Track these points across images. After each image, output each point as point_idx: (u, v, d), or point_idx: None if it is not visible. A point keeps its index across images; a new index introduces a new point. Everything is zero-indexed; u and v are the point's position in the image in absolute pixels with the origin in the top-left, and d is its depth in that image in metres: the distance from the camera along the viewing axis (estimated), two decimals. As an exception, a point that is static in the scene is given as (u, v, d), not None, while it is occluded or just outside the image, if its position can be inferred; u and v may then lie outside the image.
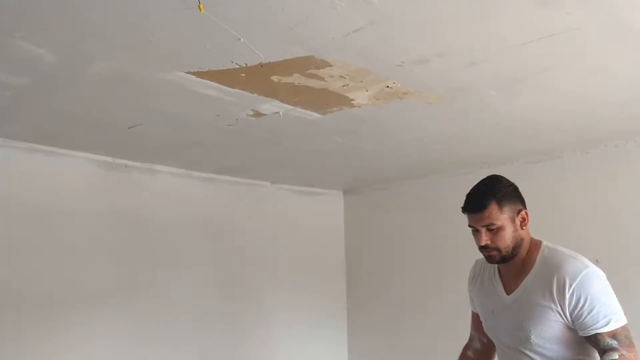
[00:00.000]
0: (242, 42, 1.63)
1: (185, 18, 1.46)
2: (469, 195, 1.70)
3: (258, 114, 2.29)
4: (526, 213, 1.70)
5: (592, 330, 1.56)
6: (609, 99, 2.13)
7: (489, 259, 1.68)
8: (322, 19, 1.49)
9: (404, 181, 3.72)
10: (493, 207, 1.63)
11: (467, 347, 1.96)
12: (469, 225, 1.69)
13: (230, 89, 2.01)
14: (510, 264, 1.69)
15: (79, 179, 2.86)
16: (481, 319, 1.85)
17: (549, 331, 1.61)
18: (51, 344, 2.65)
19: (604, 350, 1.56)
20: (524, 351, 1.64)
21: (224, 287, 3.42)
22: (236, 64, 1.79)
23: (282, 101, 2.15)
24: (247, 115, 2.30)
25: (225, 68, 1.82)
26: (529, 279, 1.66)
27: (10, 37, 1.59)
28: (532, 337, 1.61)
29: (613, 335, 1.56)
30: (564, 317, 1.59)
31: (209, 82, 1.94)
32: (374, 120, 2.37)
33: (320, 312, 3.90)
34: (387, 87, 1.99)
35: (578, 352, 1.63)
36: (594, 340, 1.58)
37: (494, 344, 1.81)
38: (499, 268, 1.77)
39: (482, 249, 1.67)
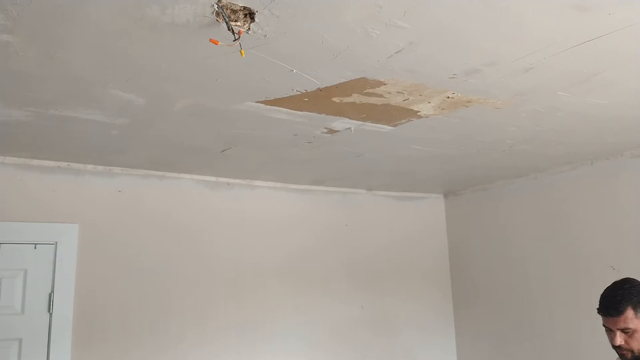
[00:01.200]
0: (295, 73, 1.76)
1: (239, 58, 1.62)
2: (605, 298, 1.85)
3: (332, 131, 2.41)
4: None
5: None
6: None
7: (622, 357, 1.82)
8: (361, 46, 1.57)
9: (503, 181, 3.62)
10: (629, 312, 1.78)
11: None
12: (604, 325, 1.85)
13: (298, 112, 2.15)
14: None
15: (187, 198, 3.19)
16: None
17: None
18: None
19: None
20: None
21: (328, 294, 3.57)
22: (297, 90, 1.92)
23: (350, 118, 2.25)
24: (322, 132, 2.43)
25: (288, 95, 1.97)
26: None
27: (105, 88, 1.87)
28: None
29: None
30: None
31: (277, 107, 2.10)
32: (447, 128, 2.38)
33: (427, 318, 3.90)
34: (448, 97, 2.00)
35: None
36: None
37: None
38: None
39: (616, 348, 1.81)
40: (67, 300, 2.77)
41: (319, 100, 2.02)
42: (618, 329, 1.79)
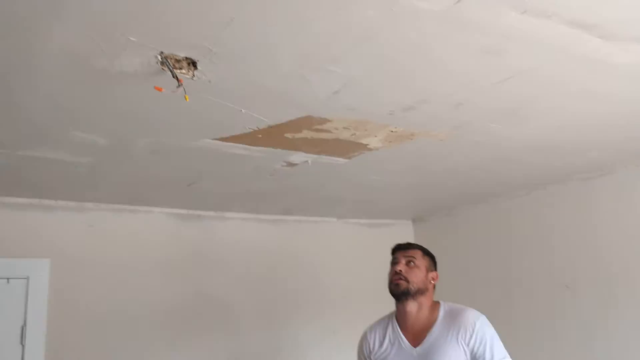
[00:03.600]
0: (244, 112, 1.89)
1: (189, 101, 1.74)
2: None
3: (290, 164, 2.54)
4: (437, 275, 2.13)
5: None
6: (608, 118, 2.11)
7: (396, 286, 2.04)
8: (300, 89, 1.71)
9: (466, 206, 3.75)
10: (418, 251, 2.13)
11: None
12: (392, 261, 2.11)
13: (255, 147, 2.28)
14: (416, 321, 2.02)
15: (159, 231, 3.28)
16: None
17: None
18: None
19: None
20: None
21: (299, 321, 3.65)
22: (249, 128, 2.05)
23: (305, 152, 2.38)
24: (282, 166, 2.56)
25: (242, 133, 2.10)
26: (435, 328, 1.97)
27: (67, 131, 1.99)
28: None
29: None
30: (468, 356, 1.88)
31: (234, 144, 2.22)
32: (398, 159, 2.52)
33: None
34: (391, 131, 2.14)
35: None
36: None
37: None
38: (401, 328, 2.06)
39: (395, 275, 2.04)
40: (39, 332, 2.84)
41: (273, 136, 2.15)
42: (404, 257, 2.06)
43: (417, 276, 2.03)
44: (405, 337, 2.04)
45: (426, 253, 2.14)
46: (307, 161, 2.51)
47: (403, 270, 2.03)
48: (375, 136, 2.19)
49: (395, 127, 2.10)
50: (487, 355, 1.89)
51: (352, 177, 2.82)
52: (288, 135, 2.15)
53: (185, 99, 1.59)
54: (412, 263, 2.05)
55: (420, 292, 2.03)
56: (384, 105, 1.87)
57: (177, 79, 1.53)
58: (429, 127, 2.11)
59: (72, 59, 1.44)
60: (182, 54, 1.48)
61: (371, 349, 2.14)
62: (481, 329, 1.92)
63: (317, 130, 2.11)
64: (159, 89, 1.53)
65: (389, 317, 2.19)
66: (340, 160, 2.51)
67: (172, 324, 3.20)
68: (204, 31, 1.35)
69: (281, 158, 2.45)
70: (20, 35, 1.32)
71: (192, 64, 1.54)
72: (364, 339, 2.20)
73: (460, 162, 2.62)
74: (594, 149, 2.50)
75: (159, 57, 1.48)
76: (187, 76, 1.56)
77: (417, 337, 2.01)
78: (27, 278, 2.86)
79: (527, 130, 2.17)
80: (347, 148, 2.34)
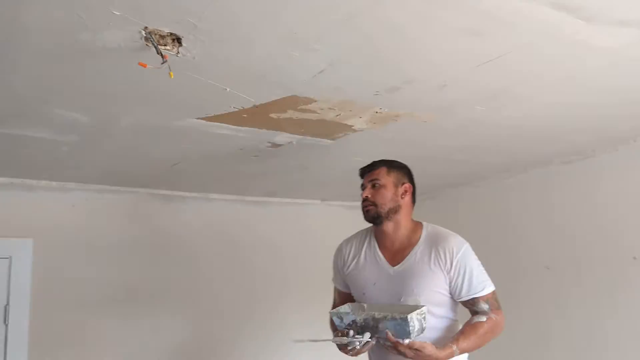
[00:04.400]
0: (229, 91, 1.88)
1: (173, 79, 1.73)
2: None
3: (275, 145, 2.54)
4: (409, 187, 2.02)
5: (471, 294, 1.85)
6: (589, 102, 2.13)
7: (366, 213, 1.98)
8: (286, 67, 1.70)
9: (450, 189, 3.79)
10: (382, 168, 2.01)
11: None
12: (361, 186, 2.04)
13: (240, 127, 2.27)
14: (395, 240, 1.95)
15: (142, 211, 3.27)
16: (356, 294, 2.01)
17: (435, 296, 1.82)
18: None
19: (476, 312, 1.83)
20: None
21: (283, 304, 3.68)
22: (234, 107, 2.04)
23: (290, 133, 2.38)
24: (266, 146, 2.56)
25: (227, 112, 2.09)
26: (417, 250, 1.90)
27: (50, 107, 1.96)
28: (421, 300, 1.79)
29: (486, 300, 1.86)
30: (446, 282, 1.83)
31: (219, 124, 2.22)
32: (383, 141, 2.53)
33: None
34: (376, 112, 2.15)
35: (454, 315, 1.90)
36: (471, 304, 1.84)
37: None
38: (379, 245, 1.98)
39: (363, 202, 1.98)
40: (23, 312, 2.83)
41: (257, 116, 2.14)
42: (369, 182, 1.99)
43: (384, 197, 1.95)
44: (383, 254, 1.97)
45: (392, 167, 2.02)
46: (291, 142, 2.51)
47: (370, 196, 1.96)
48: (360, 117, 2.20)
49: (380, 108, 2.11)
50: (465, 288, 1.85)
51: (337, 159, 2.83)
52: (273, 115, 2.15)
53: (170, 75, 1.58)
54: (377, 184, 1.97)
55: (393, 210, 1.95)
56: (370, 85, 1.87)
57: (162, 55, 1.52)
58: (414, 108, 2.12)
59: (53, 33, 1.42)
60: (166, 30, 1.47)
61: (345, 262, 2.10)
62: (462, 260, 1.85)
63: (302, 111, 2.11)
64: (143, 65, 1.51)
65: (367, 231, 2.11)
66: (325, 141, 2.52)
67: (156, 303, 3.20)
68: (188, 6, 1.34)
69: (266, 139, 2.45)
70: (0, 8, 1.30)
71: (177, 40, 1.53)
72: (339, 251, 2.17)
73: (444, 144, 2.64)
74: (574, 133, 2.53)
75: (143, 33, 1.46)
76: (172, 53, 1.55)
77: (395, 256, 1.95)
78: (10, 258, 2.84)
79: (509, 113, 2.19)
80: (331, 129, 2.34)
